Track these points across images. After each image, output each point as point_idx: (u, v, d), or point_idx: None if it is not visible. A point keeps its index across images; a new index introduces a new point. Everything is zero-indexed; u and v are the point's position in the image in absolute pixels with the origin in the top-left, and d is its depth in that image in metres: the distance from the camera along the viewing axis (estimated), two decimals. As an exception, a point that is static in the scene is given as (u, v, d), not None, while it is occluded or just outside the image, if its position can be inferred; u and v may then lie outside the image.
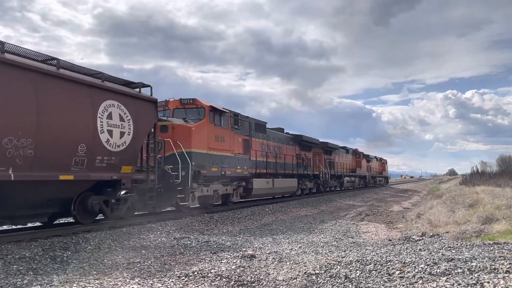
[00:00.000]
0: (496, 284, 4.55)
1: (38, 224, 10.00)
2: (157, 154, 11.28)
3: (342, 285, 5.16)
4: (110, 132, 9.29)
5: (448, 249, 7.06)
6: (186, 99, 13.74)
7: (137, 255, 7.47)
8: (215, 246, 8.76)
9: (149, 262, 6.96)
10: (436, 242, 8.25)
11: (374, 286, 5.03)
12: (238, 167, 15.41)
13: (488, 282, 4.61)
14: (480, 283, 4.63)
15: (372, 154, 46.46)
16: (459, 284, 4.67)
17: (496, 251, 6.39)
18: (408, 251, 7.27)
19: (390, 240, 9.26)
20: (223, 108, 14.69)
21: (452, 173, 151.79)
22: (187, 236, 9.79)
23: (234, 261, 6.94)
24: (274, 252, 7.75)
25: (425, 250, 7.18)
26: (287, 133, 22.58)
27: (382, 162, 51.63)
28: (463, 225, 9.79)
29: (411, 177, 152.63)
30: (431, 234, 9.44)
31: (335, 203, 21.58)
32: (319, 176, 26.05)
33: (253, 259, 7.08)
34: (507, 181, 24.80)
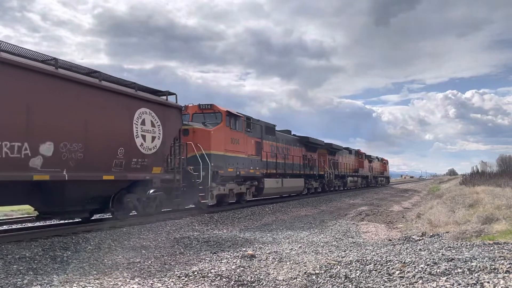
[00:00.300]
0: (496, 284, 4.55)
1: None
2: (181, 156, 12.28)
3: (342, 285, 5.16)
4: (143, 137, 10.44)
5: (448, 249, 7.06)
6: (204, 104, 14.78)
7: (137, 255, 7.47)
8: (215, 246, 8.76)
9: (149, 262, 6.96)
10: (436, 242, 8.25)
11: (374, 286, 5.03)
12: (251, 168, 16.41)
13: (488, 282, 4.61)
14: (480, 283, 4.63)
15: (374, 154, 47.29)
16: (459, 284, 4.67)
17: (496, 251, 6.39)
18: (408, 251, 7.27)
19: (390, 240, 9.25)
20: (238, 113, 15.72)
21: (452, 173, 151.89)
22: (187, 236, 9.80)
23: (234, 261, 6.94)
24: (274, 252, 7.76)
25: (425, 250, 7.18)
26: (294, 135, 23.34)
27: (384, 163, 52.63)
28: (463, 225, 9.79)
29: (411, 177, 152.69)
30: (431, 234, 9.44)
31: (335, 203, 21.57)
32: (324, 176, 26.89)
33: (253, 259, 7.08)
34: (507, 181, 24.80)
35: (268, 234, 10.50)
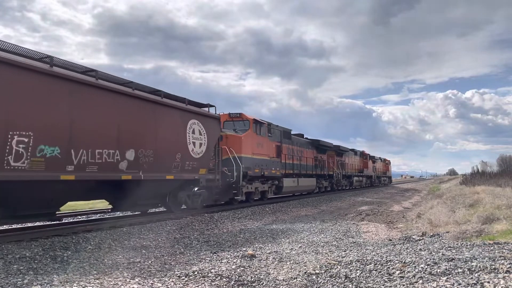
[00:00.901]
0: (496, 284, 4.54)
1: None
2: (219, 158, 14.29)
3: (342, 285, 5.16)
4: (194, 144, 12.46)
5: (448, 249, 7.05)
6: (234, 113, 17.12)
7: (137, 255, 7.47)
8: (215, 246, 8.77)
9: (150, 261, 6.96)
10: (436, 242, 8.25)
11: (375, 286, 5.03)
12: (273, 169, 18.56)
13: (488, 282, 4.61)
14: (480, 283, 4.63)
15: (376, 155, 48.85)
16: (459, 284, 4.67)
17: (497, 251, 6.38)
18: (408, 251, 7.27)
19: (391, 240, 9.25)
20: (262, 120, 17.99)
21: (452, 173, 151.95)
22: (187, 236, 9.80)
23: (234, 261, 6.94)
24: (274, 252, 7.76)
25: (425, 250, 7.18)
26: (306, 138, 25.44)
27: (386, 163, 54.44)
28: (464, 225, 9.78)
29: (411, 177, 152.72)
30: (432, 234, 9.43)
31: (335, 203, 21.56)
32: (333, 176, 29.01)
33: (253, 259, 7.08)
34: (507, 181, 24.77)
35: (269, 234, 10.50)
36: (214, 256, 7.45)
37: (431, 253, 6.79)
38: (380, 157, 50.46)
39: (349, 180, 33.74)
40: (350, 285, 5.12)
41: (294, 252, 7.73)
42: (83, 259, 6.91)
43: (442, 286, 4.70)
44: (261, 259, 7.06)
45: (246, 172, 15.75)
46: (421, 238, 9.10)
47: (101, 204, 15.15)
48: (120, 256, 7.27)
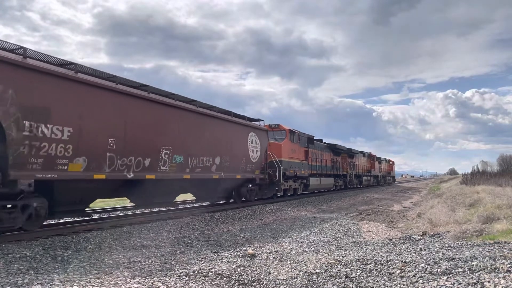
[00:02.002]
0: (497, 283, 4.54)
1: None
2: (266, 162, 18.16)
3: (342, 285, 5.16)
4: (252, 151, 16.42)
5: (449, 248, 7.05)
6: (274, 124, 20.81)
7: (137, 254, 7.47)
8: (215, 245, 8.77)
9: (150, 261, 6.96)
10: (436, 241, 8.24)
11: (375, 285, 5.03)
12: (302, 170, 22.33)
13: (489, 282, 4.61)
14: (481, 282, 4.62)
15: (382, 156, 53.12)
16: (460, 284, 4.66)
17: (497, 251, 6.38)
18: (408, 250, 7.26)
19: (391, 240, 9.24)
20: (294, 129, 21.90)
21: (452, 172, 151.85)
22: (187, 235, 9.81)
23: (235, 260, 6.95)
24: (274, 251, 7.76)
25: (425, 249, 7.17)
26: (324, 142, 29.07)
27: (390, 163, 57.88)
28: (464, 225, 9.76)
29: (412, 176, 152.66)
30: (432, 233, 9.42)
31: (336, 202, 21.56)
32: (346, 176, 32.71)
33: (254, 259, 7.08)
34: (507, 180, 24.74)
35: (269, 234, 10.50)
36: (215, 256, 7.45)
37: (431, 252, 6.79)
38: (385, 158, 53.96)
39: (359, 179, 37.46)
40: (351, 285, 5.12)
41: (294, 252, 7.73)
42: (84, 258, 6.92)
43: (442, 285, 4.70)
44: (261, 259, 7.06)
45: (284, 172, 19.30)
46: (421, 237, 9.09)
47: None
48: (120, 256, 7.27)
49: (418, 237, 9.13)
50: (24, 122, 7.45)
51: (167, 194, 12.54)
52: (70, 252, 7.29)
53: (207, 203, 16.26)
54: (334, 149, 29.95)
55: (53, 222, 10.31)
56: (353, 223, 13.17)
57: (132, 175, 10.04)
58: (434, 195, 26.58)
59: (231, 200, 17.18)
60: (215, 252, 7.81)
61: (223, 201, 16.99)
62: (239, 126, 15.58)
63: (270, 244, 8.79)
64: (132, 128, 9.95)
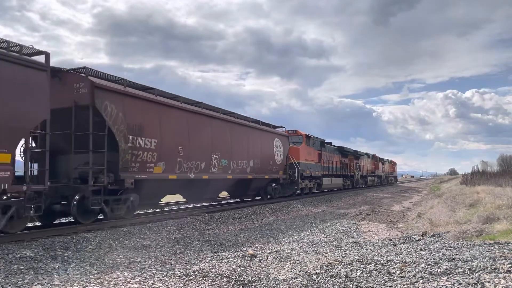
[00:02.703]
0: (497, 283, 4.54)
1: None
2: (287, 163, 20.62)
3: (342, 285, 5.16)
4: (277, 154, 19.20)
5: (449, 248, 7.05)
6: (292, 130, 23.25)
7: (137, 255, 7.47)
8: (215, 245, 8.77)
9: (150, 261, 6.96)
10: (436, 241, 8.24)
11: (375, 285, 5.02)
12: (316, 171, 25.02)
13: (489, 282, 4.61)
14: (481, 282, 4.62)
15: (385, 157, 55.41)
16: (460, 284, 4.66)
17: (497, 251, 6.38)
18: (408, 250, 7.26)
19: (391, 240, 9.24)
20: (310, 135, 24.66)
21: (452, 172, 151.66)
22: (187, 235, 9.80)
23: (235, 260, 6.94)
24: (274, 251, 7.76)
25: (425, 249, 7.17)
26: (334, 145, 31.48)
27: (392, 164, 60.42)
28: (464, 225, 9.76)
29: (412, 176, 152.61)
30: (432, 233, 9.41)
31: (336, 202, 21.55)
32: (353, 176, 35.07)
33: (254, 259, 7.08)
34: (507, 180, 24.71)
35: (269, 234, 10.50)
36: (215, 256, 7.44)
37: (431, 253, 6.79)
38: (387, 159, 56.49)
39: (365, 179, 40.05)
40: (351, 285, 5.11)
41: (294, 252, 7.73)
42: (84, 259, 6.91)
43: (442, 286, 4.70)
44: (261, 259, 7.05)
45: (302, 173, 21.89)
46: (421, 238, 9.09)
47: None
48: (120, 256, 7.27)
49: (418, 237, 9.13)
50: (129, 136, 10.13)
51: (213, 191, 15.46)
52: (70, 252, 7.29)
53: (237, 200, 19.10)
54: (343, 151, 32.58)
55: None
56: (353, 223, 13.17)
57: (193, 175, 12.83)
58: (434, 195, 26.57)
59: (257, 197, 19.77)
60: (215, 253, 7.81)
61: (249, 199, 19.36)
62: (267, 133, 18.54)
63: (270, 244, 8.79)
64: (193, 138, 12.68)
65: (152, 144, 10.83)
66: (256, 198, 19.61)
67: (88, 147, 9.31)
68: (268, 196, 19.40)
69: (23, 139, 7.96)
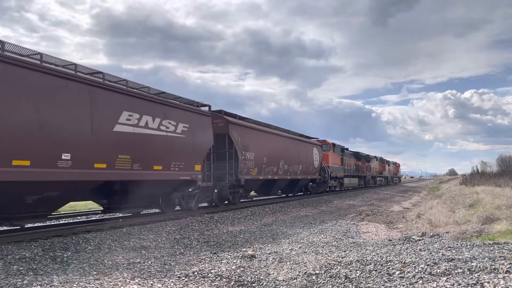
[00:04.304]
0: (496, 284, 4.54)
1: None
2: (320, 167, 25.85)
3: (342, 285, 5.16)
4: (315, 160, 24.54)
5: (448, 249, 7.05)
6: (322, 139, 28.62)
7: (137, 255, 7.47)
8: (215, 246, 8.76)
9: (149, 262, 6.96)
10: (436, 242, 8.24)
11: (374, 286, 5.03)
12: (339, 172, 30.44)
13: (488, 282, 4.61)
14: (480, 283, 4.62)
15: (390, 159, 60.41)
16: (459, 284, 4.66)
17: (496, 251, 6.37)
18: (408, 251, 7.26)
19: (390, 240, 9.24)
20: (335, 143, 30.07)
21: (452, 173, 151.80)
22: (187, 236, 9.80)
23: (234, 261, 6.94)
24: (274, 252, 7.75)
25: (425, 250, 7.17)
26: (350, 151, 35.98)
27: (396, 165, 65.39)
28: (463, 225, 9.77)
29: (411, 177, 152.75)
30: (431, 234, 9.42)
31: (336, 202, 21.57)
32: (365, 177, 40.59)
33: (253, 259, 7.08)
34: (507, 181, 24.74)
35: (268, 235, 10.50)
36: (214, 257, 7.44)
37: (431, 253, 6.79)
38: (392, 161, 61.85)
39: (374, 180, 45.68)
40: (350, 286, 5.12)
41: (294, 253, 7.72)
42: (83, 259, 6.91)
43: (442, 286, 4.70)
44: (261, 260, 7.05)
45: (330, 174, 27.31)
46: (421, 238, 9.09)
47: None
48: (120, 257, 7.26)
49: (418, 238, 9.13)
50: (243, 151, 15.71)
51: (277, 189, 21.23)
52: (69, 253, 7.28)
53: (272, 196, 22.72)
54: (357, 155, 38.16)
55: (52, 223, 10.31)
56: (353, 223, 13.17)
57: (270, 177, 18.37)
58: (434, 196, 26.58)
59: (299, 193, 25.44)
60: (214, 253, 7.80)
61: (290, 194, 24.35)
62: (308, 144, 24.21)
63: (269, 245, 8.79)
64: (271, 150, 18.41)
65: (253, 156, 16.47)
66: (297, 194, 24.95)
67: (225, 159, 14.98)
68: (308, 193, 25.23)
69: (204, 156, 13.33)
